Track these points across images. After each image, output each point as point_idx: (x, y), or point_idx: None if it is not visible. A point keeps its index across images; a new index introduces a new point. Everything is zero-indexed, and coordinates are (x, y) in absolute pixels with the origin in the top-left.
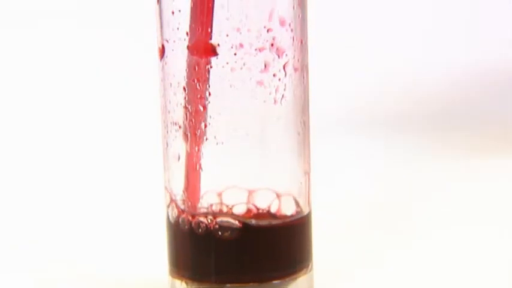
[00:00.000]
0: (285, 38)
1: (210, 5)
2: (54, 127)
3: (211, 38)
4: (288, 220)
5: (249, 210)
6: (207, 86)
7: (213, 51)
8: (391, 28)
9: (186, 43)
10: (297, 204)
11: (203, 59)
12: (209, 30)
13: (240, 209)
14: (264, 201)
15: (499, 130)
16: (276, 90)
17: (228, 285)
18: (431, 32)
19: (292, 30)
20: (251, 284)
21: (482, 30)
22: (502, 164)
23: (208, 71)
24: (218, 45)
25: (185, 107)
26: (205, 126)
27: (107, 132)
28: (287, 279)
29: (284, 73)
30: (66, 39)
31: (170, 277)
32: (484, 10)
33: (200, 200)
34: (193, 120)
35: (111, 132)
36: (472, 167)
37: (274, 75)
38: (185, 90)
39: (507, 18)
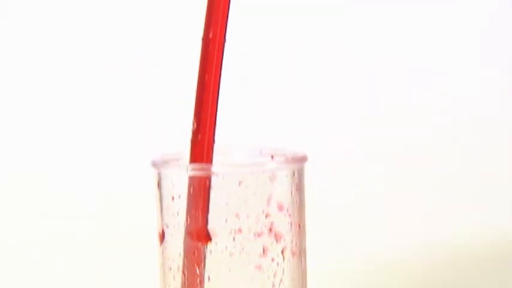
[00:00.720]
0: (283, 223)
1: (207, 190)
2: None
3: (207, 224)
4: None
5: None
6: (206, 270)
7: (210, 237)
8: (386, 202)
9: (185, 228)
10: None
11: (202, 244)
12: (206, 216)
13: None
14: None
15: None
16: (274, 275)
17: None
18: (430, 205)
19: (290, 215)
20: None
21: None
22: None
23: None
24: (216, 231)
25: None
26: None
27: None
28: None
29: (282, 258)
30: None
31: None
32: (489, 178)
33: None
34: None
35: None
36: None
37: (272, 259)
38: (184, 275)
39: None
